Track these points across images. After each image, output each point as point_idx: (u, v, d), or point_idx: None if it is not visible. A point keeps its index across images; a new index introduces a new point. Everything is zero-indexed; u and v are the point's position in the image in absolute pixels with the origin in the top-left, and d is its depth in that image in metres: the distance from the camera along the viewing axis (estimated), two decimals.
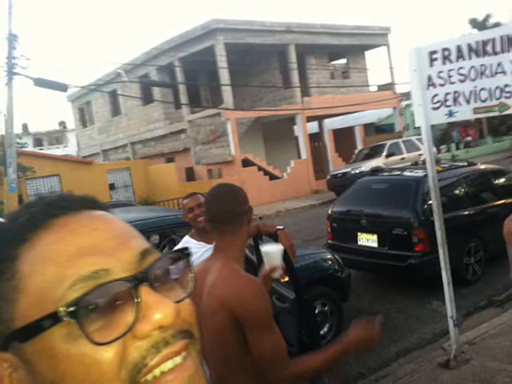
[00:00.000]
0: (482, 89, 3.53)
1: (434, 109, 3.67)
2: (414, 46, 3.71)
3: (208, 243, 2.62)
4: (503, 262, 6.22)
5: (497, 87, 3.48)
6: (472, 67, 3.52)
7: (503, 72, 3.46)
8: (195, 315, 0.52)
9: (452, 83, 3.58)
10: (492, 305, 5.43)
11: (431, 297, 5.56)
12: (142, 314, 0.46)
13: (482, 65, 3.50)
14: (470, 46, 3.50)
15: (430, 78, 3.63)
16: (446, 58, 3.58)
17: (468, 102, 3.58)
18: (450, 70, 3.58)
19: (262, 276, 1.82)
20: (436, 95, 3.64)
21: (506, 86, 3.46)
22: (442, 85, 3.62)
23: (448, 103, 3.63)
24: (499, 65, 3.45)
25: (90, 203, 0.54)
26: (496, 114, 3.68)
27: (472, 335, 4.43)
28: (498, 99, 3.51)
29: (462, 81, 3.56)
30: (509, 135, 25.16)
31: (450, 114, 3.65)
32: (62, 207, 0.51)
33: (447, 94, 3.61)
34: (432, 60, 3.62)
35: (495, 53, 3.45)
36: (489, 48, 3.45)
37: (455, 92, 3.58)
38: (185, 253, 0.53)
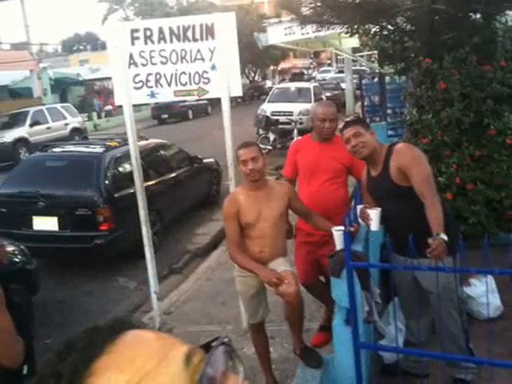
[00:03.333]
0: (183, 73, 3.50)
1: (136, 88, 3.59)
2: (116, 22, 3.53)
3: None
4: (175, 231, 6.50)
5: (196, 72, 3.47)
6: (173, 51, 3.48)
7: (202, 59, 3.46)
8: None
9: (154, 64, 3.52)
10: (173, 272, 5.47)
11: (117, 275, 5.35)
12: None
13: (182, 49, 3.47)
14: (171, 30, 3.46)
15: (131, 57, 3.55)
16: (148, 38, 3.50)
17: (169, 84, 3.54)
18: (151, 51, 3.51)
19: None
20: (138, 75, 3.56)
21: (204, 72, 3.46)
22: (143, 65, 3.54)
23: (150, 84, 3.57)
24: (198, 51, 3.45)
25: (118, 329, 0.53)
26: (195, 97, 3.71)
27: (166, 305, 4.42)
28: (197, 84, 3.50)
29: (163, 63, 3.51)
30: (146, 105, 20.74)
31: (152, 94, 3.60)
32: (99, 346, 0.50)
33: (149, 74, 3.54)
34: (134, 38, 3.53)
35: (195, 39, 3.44)
36: (189, 34, 3.44)
37: (157, 73, 3.52)
38: (223, 342, 0.52)
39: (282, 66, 40.52)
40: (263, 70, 35.94)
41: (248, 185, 2.71)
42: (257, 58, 27.83)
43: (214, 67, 3.51)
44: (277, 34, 9.65)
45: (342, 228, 2.42)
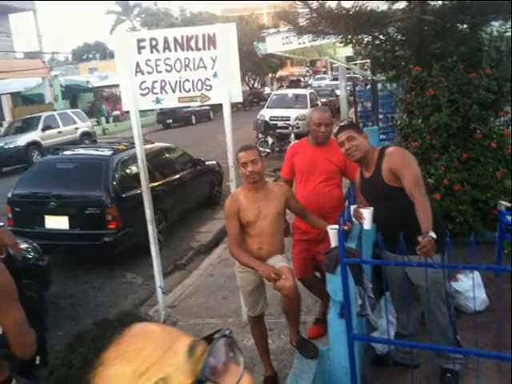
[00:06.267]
0: (186, 80, 3.51)
1: (142, 95, 3.60)
2: (124, 32, 3.46)
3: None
4: (179, 229, 6.54)
5: (199, 80, 3.50)
6: (177, 59, 3.48)
7: (204, 67, 3.47)
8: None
9: (159, 72, 3.52)
10: (177, 268, 5.44)
11: (125, 270, 5.35)
12: None
13: (186, 58, 3.48)
14: (175, 40, 3.47)
15: (138, 65, 3.56)
16: (153, 48, 3.51)
17: (174, 91, 3.54)
18: (157, 60, 3.51)
19: None
20: (144, 82, 3.56)
21: (207, 79, 3.48)
22: (149, 72, 3.54)
23: (155, 90, 3.57)
24: (201, 60, 3.47)
25: (126, 322, 0.54)
26: (198, 103, 3.71)
27: (171, 299, 4.40)
28: (199, 90, 3.52)
29: (168, 71, 3.50)
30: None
31: (158, 100, 3.60)
32: (108, 337, 0.51)
33: (154, 81, 3.54)
34: (140, 48, 3.55)
35: (198, 49, 3.45)
36: (192, 44, 3.45)
37: (162, 81, 3.52)
38: (225, 334, 0.52)
39: (280, 73, 40.54)
40: (262, 78, 35.95)
41: (248, 186, 2.70)
42: (256, 66, 27.82)
43: (215, 75, 3.49)
44: (275, 44, 9.64)
45: (337, 226, 2.42)
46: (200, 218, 7.24)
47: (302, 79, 38.67)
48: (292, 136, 11.35)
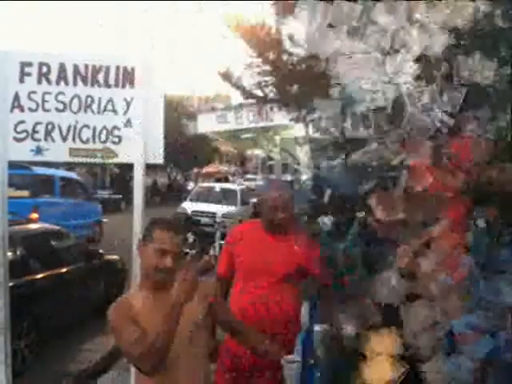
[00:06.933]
0: (85, 126, 2.67)
1: (17, 140, 2.67)
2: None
3: None
4: (56, 345, 4.74)
5: (103, 127, 2.67)
6: (76, 96, 2.65)
7: (114, 111, 2.66)
8: None
9: (46, 111, 2.64)
10: None
11: None
12: None
13: (88, 96, 2.67)
14: (76, 69, 2.68)
15: (17, 97, 2.68)
16: (43, 76, 2.66)
17: (64, 139, 2.65)
18: (45, 93, 2.66)
19: None
20: (22, 122, 2.66)
21: (115, 128, 2.66)
22: (32, 110, 2.67)
23: (37, 136, 2.64)
24: (110, 101, 2.68)
25: None
26: (99, 160, 2.78)
27: None
28: (103, 142, 2.68)
29: (59, 110, 2.63)
30: None
31: (38, 150, 2.69)
32: None
33: (38, 123, 2.66)
34: (24, 74, 2.69)
35: (108, 85, 2.69)
36: (101, 77, 2.69)
37: (49, 123, 2.63)
38: None
39: (207, 169, 40.24)
40: (186, 172, 35.58)
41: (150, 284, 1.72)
42: (187, 151, 27.04)
43: (128, 123, 2.60)
44: (208, 122, 9.08)
45: (297, 358, 1.63)
46: (86, 332, 5.48)
47: (231, 178, 38.75)
48: (217, 235, 10.37)
